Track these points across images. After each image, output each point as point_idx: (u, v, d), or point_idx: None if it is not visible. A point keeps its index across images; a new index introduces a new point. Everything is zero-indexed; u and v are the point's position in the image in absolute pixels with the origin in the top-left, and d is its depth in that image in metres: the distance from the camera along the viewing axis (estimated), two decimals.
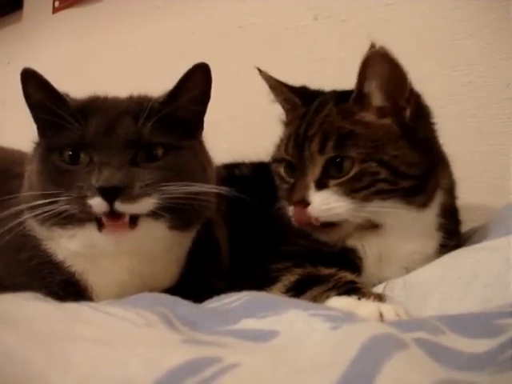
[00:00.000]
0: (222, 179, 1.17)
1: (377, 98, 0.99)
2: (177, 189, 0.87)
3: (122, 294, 0.90)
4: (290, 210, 1.01)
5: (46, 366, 0.47)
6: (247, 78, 1.84)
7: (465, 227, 1.14)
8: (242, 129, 1.79)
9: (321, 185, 0.97)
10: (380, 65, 0.96)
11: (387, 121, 0.99)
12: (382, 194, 0.96)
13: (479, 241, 0.99)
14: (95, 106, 0.94)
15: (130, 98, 1.00)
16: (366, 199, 0.96)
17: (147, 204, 0.87)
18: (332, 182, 0.97)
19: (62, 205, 0.86)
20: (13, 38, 2.48)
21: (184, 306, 0.73)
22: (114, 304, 0.71)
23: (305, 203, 0.97)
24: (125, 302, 0.74)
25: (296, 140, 1.02)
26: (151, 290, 0.92)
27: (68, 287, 0.94)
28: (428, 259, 1.00)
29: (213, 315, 0.70)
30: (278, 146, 1.10)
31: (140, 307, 0.67)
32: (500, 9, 1.42)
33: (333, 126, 0.99)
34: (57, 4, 2.38)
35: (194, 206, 0.89)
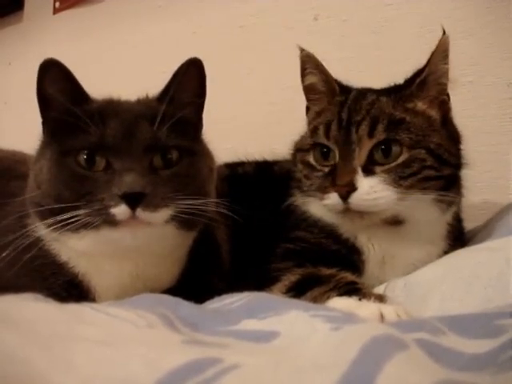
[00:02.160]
0: (224, 178, 1.17)
1: (433, 88, 1.03)
2: (192, 203, 0.88)
3: (123, 294, 0.90)
4: (329, 198, 0.98)
5: (47, 367, 0.47)
6: (248, 77, 1.86)
7: (466, 227, 1.14)
8: (243, 128, 1.79)
9: (367, 171, 0.96)
10: (444, 52, 1.02)
11: (433, 112, 1.03)
12: (426, 183, 0.97)
13: (481, 241, 0.99)
14: (112, 109, 0.94)
15: (140, 102, 1.00)
16: (410, 188, 0.96)
17: (165, 214, 0.88)
18: (379, 169, 0.96)
19: (84, 217, 0.85)
20: (14, 38, 2.48)
21: (185, 306, 0.73)
22: (115, 305, 0.71)
23: (351, 187, 0.95)
24: (126, 303, 0.74)
25: (339, 125, 1.00)
26: (152, 290, 0.92)
27: (71, 288, 0.94)
28: None
29: (214, 316, 0.71)
30: (311, 133, 1.06)
31: (141, 308, 0.67)
32: (500, 9, 1.42)
33: (382, 111, 1.00)
34: (57, 5, 2.38)
35: (200, 213, 0.91)
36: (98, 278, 0.95)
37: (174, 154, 0.93)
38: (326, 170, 1.01)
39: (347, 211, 0.97)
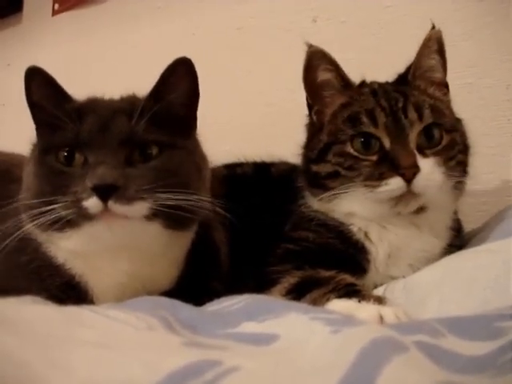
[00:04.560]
0: (222, 178, 1.17)
1: (423, 82, 1.06)
2: (171, 196, 0.87)
3: (121, 296, 0.90)
4: (390, 183, 0.96)
5: (46, 369, 0.47)
6: (246, 78, 1.86)
7: (465, 229, 1.14)
8: (240, 130, 1.79)
9: (422, 153, 0.97)
10: (430, 47, 1.06)
11: (447, 98, 1.07)
12: (458, 166, 1.01)
13: (479, 243, 0.99)
14: (90, 107, 0.95)
15: (122, 99, 1.01)
16: (453, 170, 0.99)
17: (141, 208, 0.87)
18: (429, 152, 0.98)
19: (59, 211, 0.86)
20: (13, 40, 2.48)
21: (184, 309, 0.73)
22: (114, 307, 0.71)
23: (416, 169, 0.95)
24: (125, 306, 0.74)
25: (385, 112, 1.00)
26: (150, 292, 0.92)
27: (68, 290, 0.94)
28: (433, 258, 1.01)
29: (213, 318, 0.70)
30: (351, 123, 1.02)
31: (140, 311, 0.67)
32: (499, 11, 1.42)
33: (419, 98, 1.02)
34: (56, 6, 2.38)
35: (187, 209, 0.89)
36: (95, 279, 0.95)
37: (154, 150, 0.92)
38: (374, 158, 0.99)
39: (401, 197, 0.97)
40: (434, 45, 1.06)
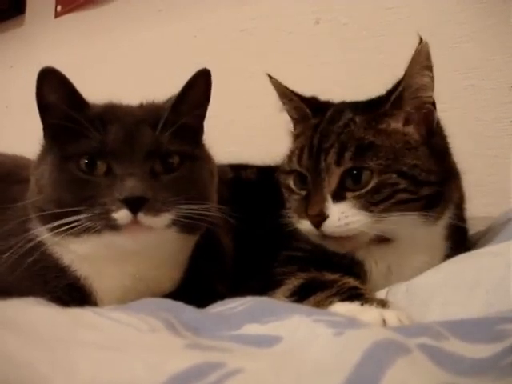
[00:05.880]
0: (228, 182, 1.17)
1: (410, 103, 0.98)
2: (191, 207, 0.89)
3: (125, 298, 0.90)
4: (303, 224, 0.98)
5: (49, 371, 0.47)
6: (249, 81, 1.86)
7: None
8: (243, 132, 1.79)
9: (338, 197, 0.94)
10: (421, 62, 0.96)
11: (410, 129, 0.98)
12: (402, 205, 0.94)
13: (483, 245, 0.99)
14: (112, 114, 0.94)
15: (143, 107, 1.01)
16: (385, 211, 0.93)
17: (166, 219, 0.89)
18: (350, 194, 0.94)
19: (85, 222, 0.86)
20: (15, 42, 2.49)
21: (187, 311, 0.73)
22: (117, 309, 0.71)
23: (322, 217, 0.94)
24: (128, 308, 0.74)
25: (310, 151, 0.99)
26: (154, 294, 0.92)
27: (73, 292, 0.94)
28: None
29: (216, 320, 0.70)
30: (289, 158, 1.06)
31: (143, 313, 0.67)
32: (502, 12, 1.42)
33: (352, 136, 0.96)
34: (59, 8, 2.39)
35: (200, 217, 0.91)
36: (100, 281, 0.95)
37: (176, 159, 0.94)
38: (303, 193, 1.01)
39: (325, 236, 0.97)
40: (425, 61, 0.97)
